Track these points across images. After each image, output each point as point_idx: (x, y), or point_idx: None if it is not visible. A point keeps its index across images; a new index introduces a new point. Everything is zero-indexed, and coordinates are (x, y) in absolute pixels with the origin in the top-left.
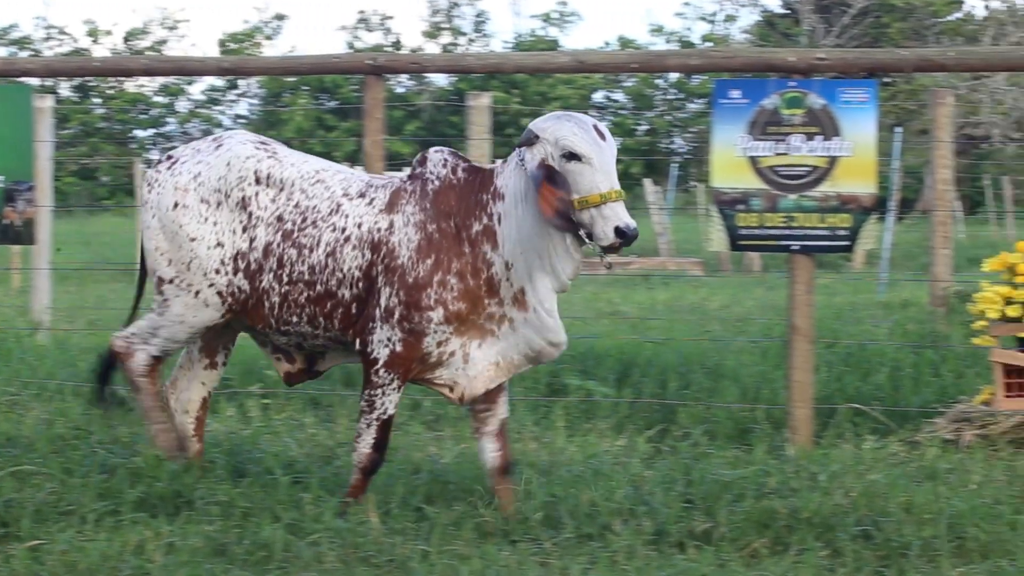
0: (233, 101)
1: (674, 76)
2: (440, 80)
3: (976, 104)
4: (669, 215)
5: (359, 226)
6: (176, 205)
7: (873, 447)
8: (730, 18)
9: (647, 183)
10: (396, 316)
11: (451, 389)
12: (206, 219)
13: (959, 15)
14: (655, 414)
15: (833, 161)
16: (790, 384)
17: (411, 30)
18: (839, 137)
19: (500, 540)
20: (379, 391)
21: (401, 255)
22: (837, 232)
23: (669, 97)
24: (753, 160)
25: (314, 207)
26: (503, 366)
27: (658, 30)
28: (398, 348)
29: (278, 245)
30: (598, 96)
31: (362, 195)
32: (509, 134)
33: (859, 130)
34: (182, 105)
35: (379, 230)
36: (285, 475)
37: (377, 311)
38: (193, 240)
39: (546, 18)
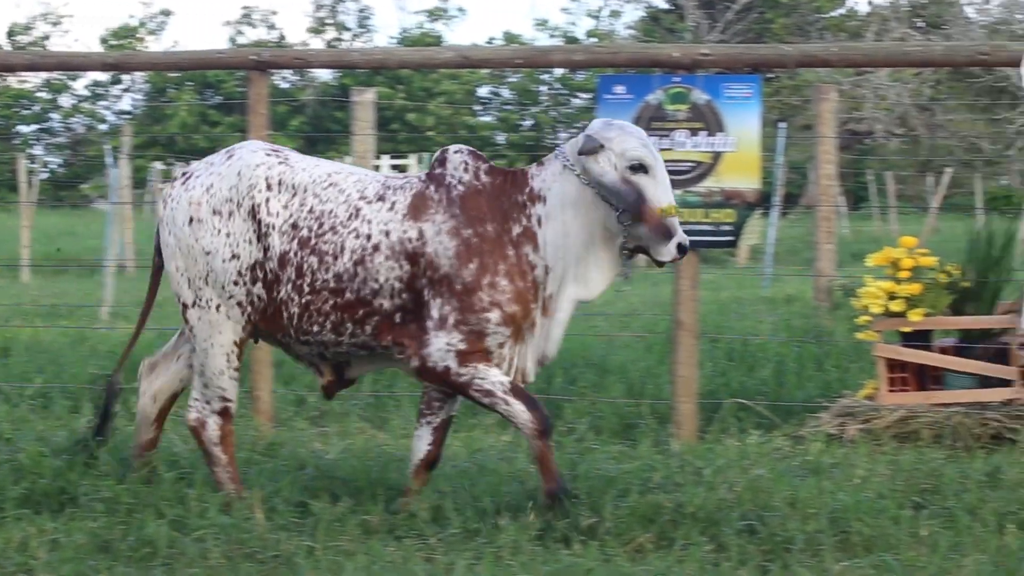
0: (117, 96)
1: (559, 71)
2: (325, 76)
3: (859, 100)
4: None
5: (387, 234)
6: (191, 220)
7: (757, 442)
8: (615, 14)
9: None
10: (451, 321)
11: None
12: (219, 231)
13: (842, 11)
14: None
15: (717, 157)
16: (675, 379)
17: (296, 25)
18: (723, 133)
19: (385, 536)
20: (476, 381)
21: (442, 265)
22: (721, 227)
23: (554, 92)
24: None
25: (330, 211)
26: (520, 372)
27: (543, 25)
28: (462, 347)
29: (295, 254)
30: (483, 91)
31: (381, 198)
32: (394, 129)
33: (743, 126)
34: (65, 100)
35: (410, 240)
36: (169, 472)
37: (430, 323)
38: (208, 254)
39: (430, 13)
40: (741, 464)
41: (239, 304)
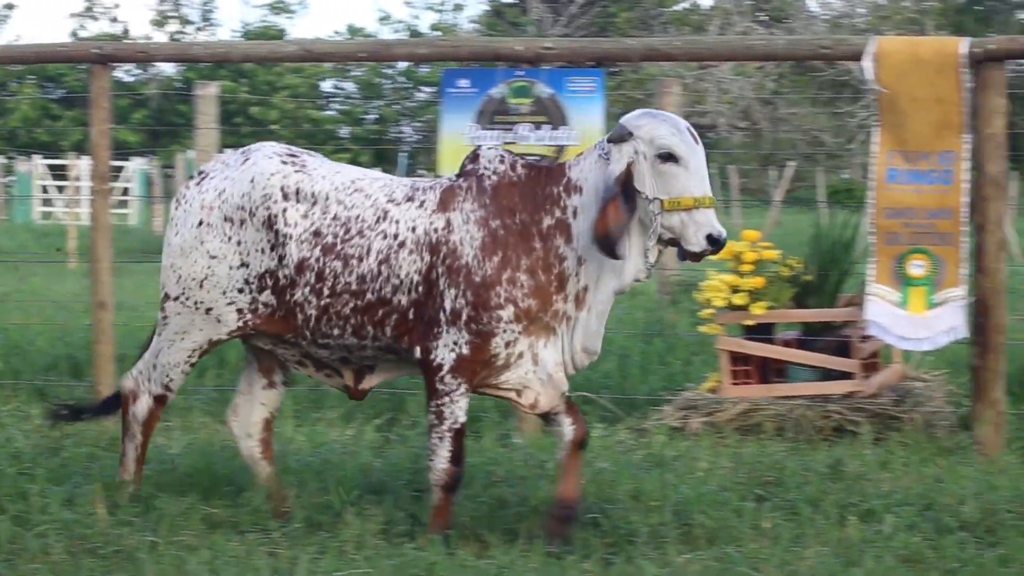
0: None
1: (403, 65)
2: (168, 69)
3: (702, 93)
4: None
5: (413, 229)
6: (201, 223)
7: (601, 435)
8: (458, 7)
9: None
10: (463, 318)
11: (519, 394)
12: (229, 238)
13: (686, 5)
14: (384, 403)
15: (561, 150)
16: None
17: (139, 19)
18: (566, 126)
19: (228, 531)
20: (446, 399)
21: (464, 254)
22: None
23: (398, 86)
24: None
25: (357, 216)
26: (561, 367)
27: (386, 19)
28: (464, 351)
29: (317, 260)
30: (327, 85)
31: (410, 199)
32: (237, 123)
33: (586, 119)
34: None
35: (436, 230)
36: (11, 467)
37: (442, 315)
38: (214, 258)
39: (273, 7)
40: (585, 457)
41: (238, 311)
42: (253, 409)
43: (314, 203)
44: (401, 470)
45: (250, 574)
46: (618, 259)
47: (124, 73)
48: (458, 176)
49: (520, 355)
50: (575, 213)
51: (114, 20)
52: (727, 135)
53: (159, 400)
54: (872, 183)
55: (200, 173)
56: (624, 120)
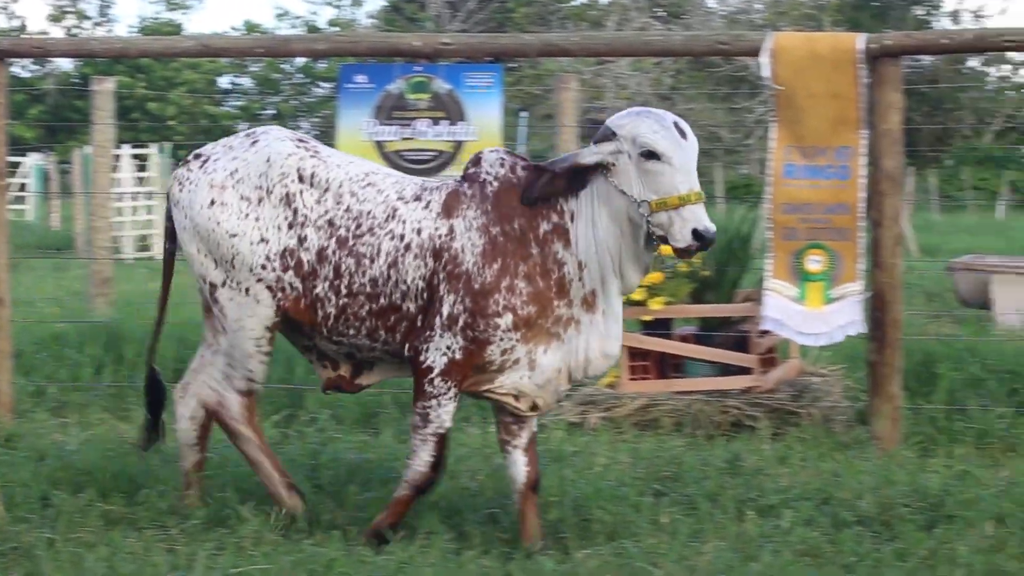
0: None
1: (300, 61)
2: (65, 64)
3: (600, 89)
4: None
5: (418, 232)
6: (212, 203)
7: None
8: (356, 3)
9: None
10: (460, 324)
11: (516, 398)
12: (247, 215)
13: (584, 1)
14: (283, 399)
15: (459, 146)
16: None
17: (36, 14)
18: (464, 122)
19: (126, 527)
20: (434, 402)
21: (465, 261)
22: None
23: (296, 82)
24: (379, 145)
25: (368, 212)
26: (563, 373)
27: (284, 15)
28: (457, 356)
29: (333, 252)
30: (224, 81)
31: (417, 198)
32: (135, 119)
33: (484, 115)
34: None
35: (440, 236)
36: None
37: (438, 319)
38: (234, 236)
39: (170, 2)
40: (483, 453)
41: (268, 288)
42: (205, 395)
43: (326, 190)
44: (300, 466)
45: (148, 570)
46: (531, 204)
47: (21, 68)
48: (462, 179)
49: (516, 361)
50: (572, 217)
51: (11, 15)
52: None
53: (247, 394)
54: (769, 179)
55: (199, 156)
56: (609, 120)
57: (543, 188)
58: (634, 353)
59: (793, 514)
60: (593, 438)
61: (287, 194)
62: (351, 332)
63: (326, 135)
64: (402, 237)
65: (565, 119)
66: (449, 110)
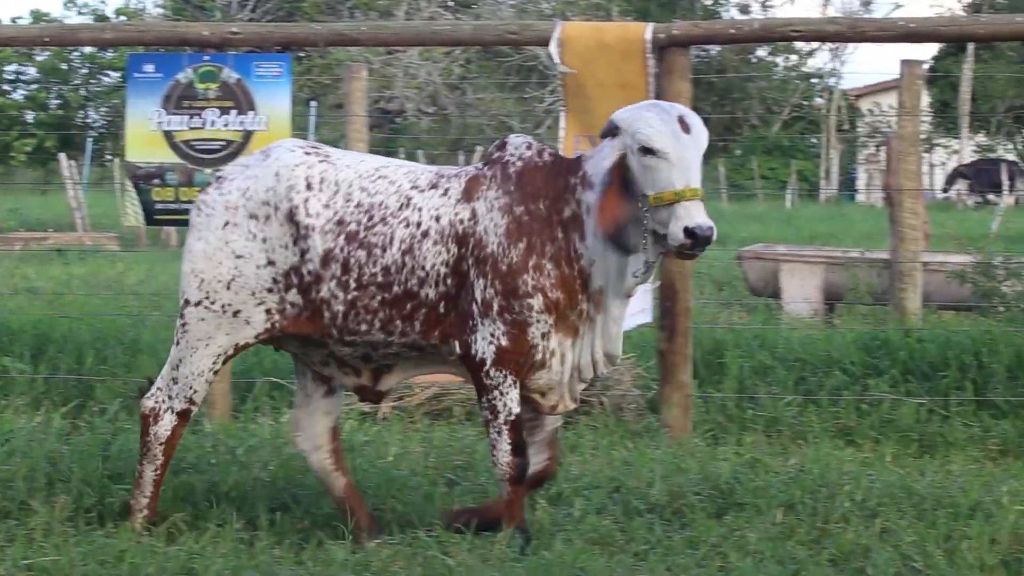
0: None
1: (88, 50)
2: None
3: (390, 78)
4: (85, 190)
5: (437, 219)
6: (227, 224)
7: (286, 421)
8: None
9: (62, 158)
10: (495, 308)
11: (543, 395)
12: (255, 236)
13: None
14: (72, 390)
15: (248, 135)
16: None
17: None
18: (254, 111)
19: None
20: (496, 393)
21: (490, 243)
22: None
23: (83, 71)
24: (168, 134)
25: (380, 203)
26: (576, 371)
27: (72, 3)
28: (503, 342)
29: (341, 249)
30: (10, 70)
31: (434, 186)
32: None
33: (274, 104)
34: None
35: (461, 221)
36: None
37: (475, 307)
38: (240, 258)
39: None
40: (274, 443)
41: (267, 311)
42: (315, 419)
43: (336, 191)
44: (90, 457)
45: None
46: (631, 253)
47: None
48: (484, 163)
49: (553, 352)
50: (588, 210)
51: None
52: (415, 120)
53: (182, 416)
54: None
55: (219, 178)
56: (614, 114)
57: (622, 218)
58: None
59: (584, 502)
60: (385, 428)
61: (291, 208)
62: (363, 328)
63: (115, 125)
64: (418, 224)
65: (355, 108)
66: (238, 100)
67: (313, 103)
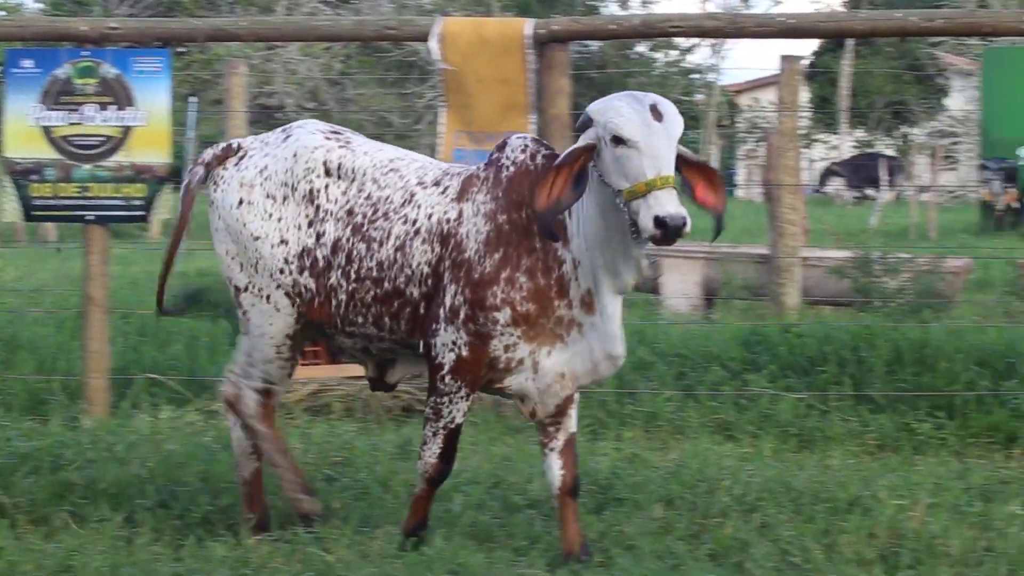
0: None
1: None
2: None
3: (270, 74)
4: None
5: (429, 217)
6: (241, 202)
7: (170, 417)
8: None
9: None
10: (461, 317)
11: (522, 400)
12: (270, 215)
13: None
14: None
15: (127, 131)
16: (86, 355)
17: None
18: (133, 107)
19: None
20: (445, 399)
21: (468, 248)
22: (132, 202)
23: None
24: (46, 130)
25: (386, 198)
26: (568, 377)
27: None
28: (464, 352)
29: (347, 240)
30: None
31: (437, 183)
32: None
33: (153, 100)
34: None
35: (448, 220)
36: None
37: (442, 311)
38: (257, 239)
39: None
40: (154, 440)
41: (286, 294)
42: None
43: (352, 180)
44: None
45: None
46: (553, 240)
47: None
48: (485, 163)
49: (520, 361)
50: (570, 213)
51: None
52: (295, 116)
53: (264, 393)
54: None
55: (237, 152)
56: (589, 107)
57: (555, 203)
58: None
59: (464, 498)
60: None
61: (311, 190)
62: (359, 320)
63: None
64: (414, 222)
65: (234, 104)
66: (117, 95)
67: (193, 99)
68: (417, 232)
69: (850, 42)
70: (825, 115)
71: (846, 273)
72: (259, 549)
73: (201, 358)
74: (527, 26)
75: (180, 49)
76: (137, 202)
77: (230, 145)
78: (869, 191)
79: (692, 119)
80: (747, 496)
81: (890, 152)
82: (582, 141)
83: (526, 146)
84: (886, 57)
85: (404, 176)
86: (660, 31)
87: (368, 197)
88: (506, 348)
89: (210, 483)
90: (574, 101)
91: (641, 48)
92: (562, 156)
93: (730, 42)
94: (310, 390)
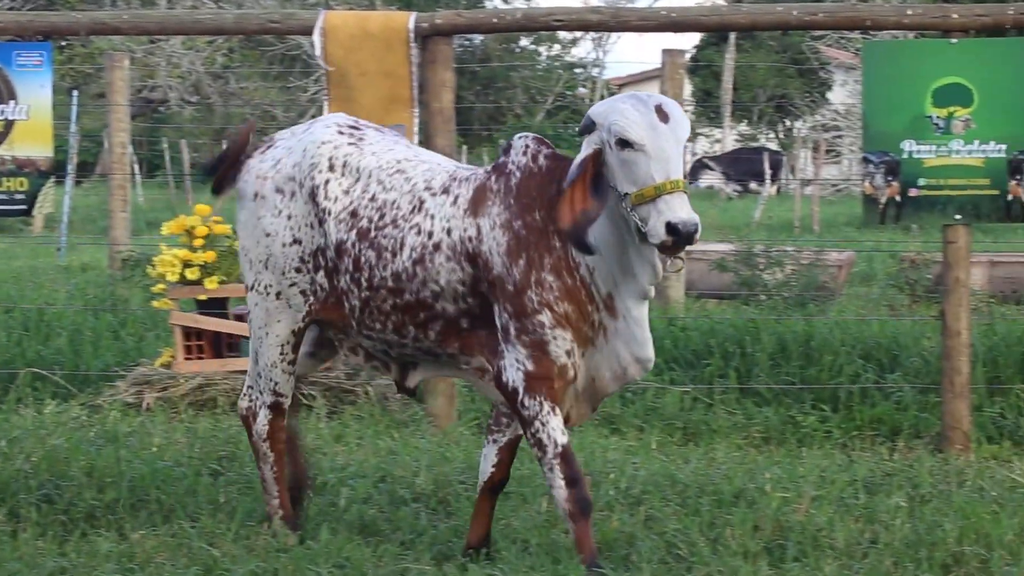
0: None
1: None
2: None
3: (153, 68)
4: None
5: (448, 232)
6: (256, 196)
7: (54, 411)
8: None
9: None
10: (512, 332)
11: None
12: (280, 212)
13: None
14: None
15: (9, 125)
16: None
17: None
18: (14, 101)
19: None
20: (537, 424)
21: (495, 264)
22: (15, 196)
23: None
24: None
25: (393, 202)
26: (598, 381)
27: None
28: (529, 366)
29: (353, 245)
30: None
31: (446, 191)
32: None
33: (35, 94)
34: None
35: (470, 239)
36: None
37: (500, 333)
38: (268, 235)
39: None
40: (38, 434)
41: (302, 292)
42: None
43: (357, 179)
44: None
45: None
46: (589, 253)
47: None
48: (492, 168)
49: (577, 366)
50: None
51: None
52: (179, 109)
53: (274, 409)
54: None
55: (265, 142)
56: (591, 109)
57: (583, 216)
58: (189, 333)
59: (350, 492)
60: (149, 418)
61: (314, 187)
62: (377, 327)
63: None
64: (430, 234)
65: (117, 98)
66: None
67: (75, 92)
68: (437, 247)
69: (732, 36)
70: (708, 109)
71: (730, 267)
72: (144, 544)
73: (85, 352)
74: (410, 20)
75: (62, 42)
76: (20, 196)
77: (272, 136)
78: (752, 185)
79: (576, 113)
80: (633, 489)
81: (772, 146)
82: (586, 146)
83: (527, 147)
84: (769, 51)
85: (411, 178)
86: (543, 25)
87: (373, 199)
88: (567, 353)
89: (94, 478)
90: (457, 95)
91: (525, 42)
92: (572, 168)
93: (613, 36)
94: (195, 384)
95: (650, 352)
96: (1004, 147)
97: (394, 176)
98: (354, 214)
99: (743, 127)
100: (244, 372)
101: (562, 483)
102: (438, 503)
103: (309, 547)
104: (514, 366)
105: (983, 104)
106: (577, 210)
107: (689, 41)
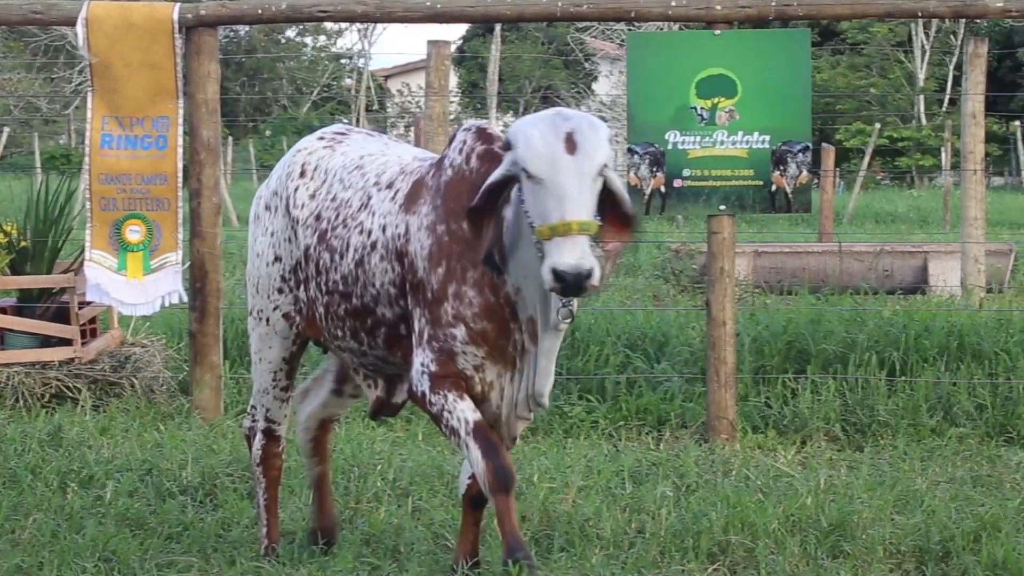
0: None
1: None
2: None
3: None
4: None
5: (383, 229)
6: (254, 217)
7: None
8: None
9: None
10: (426, 337)
11: (491, 427)
12: (267, 229)
13: None
14: None
15: None
16: None
17: None
18: None
19: None
20: (444, 415)
21: (419, 267)
22: None
23: None
24: None
25: (347, 201)
26: (515, 407)
27: None
28: (433, 367)
29: (314, 249)
30: None
31: (390, 185)
32: None
33: None
34: None
35: (399, 237)
36: None
37: (414, 336)
38: (258, 256)
39: None
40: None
41: (285, 316)
42: (314, 405)
43: (324, 181)
44: None
45: None
46: (497, 272)
47: None
48: (436, 160)
49: (491, 386)
50: (507, 229)
51: None
52: None
53: (267, 435)
54: (87, 149)
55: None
56: (512, 125)
57: (491, 239)
58: None
59: (116, 485)
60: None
61: (287, 197)
62: (339, 334)
63: None
64: (369, 233)
65: None
66: None
67: None
68: (374, 247)
69: (498, 27)
70: (474, 100)
71: None
72: None
73: None
74: (174, 10)
75: None
76: None
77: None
78: None
79: (342, 104)
80: (400, 481)
81: None
82: (503, 165)
83: (464, 143)
84: (535, 42)
85: (366, 174)
86: (308, 16)
87: (333, 200)
88: (476, 368)
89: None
90: (223, 86)
91: (291, 33)
92: (482, 188)
93: (379, 27)
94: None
95: (548, 387)
96: (768, 138)
97: (353, 173)
98: (318, 217)
99: (509, 118)
100: (9, 365)
101: (479, 455)
102: (205, 496)
103: (74, 541)
104: (419, 370)
105: (747, 95)
106: (488, 236)
107: (455, 32)
